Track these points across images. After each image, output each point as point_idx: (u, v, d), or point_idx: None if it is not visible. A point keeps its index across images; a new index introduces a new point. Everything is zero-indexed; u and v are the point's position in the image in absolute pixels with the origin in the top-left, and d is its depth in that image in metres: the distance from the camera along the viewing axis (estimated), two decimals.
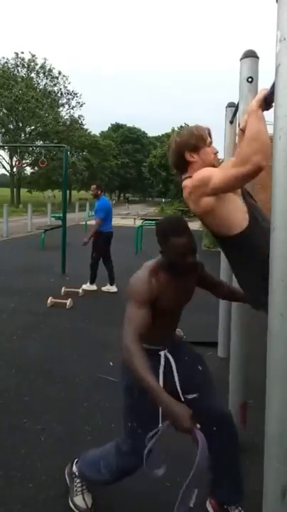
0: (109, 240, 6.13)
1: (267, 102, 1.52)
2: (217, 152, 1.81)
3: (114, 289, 6.11)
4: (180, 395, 1.68)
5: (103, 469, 1.78)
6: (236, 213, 1.65)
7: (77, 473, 1.93)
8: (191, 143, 1.75)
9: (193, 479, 1.34)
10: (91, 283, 6.16)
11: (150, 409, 1.56)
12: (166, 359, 1.71)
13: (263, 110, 1.58)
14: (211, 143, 1.80)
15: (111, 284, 6.14)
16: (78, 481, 1.92)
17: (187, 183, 1.74)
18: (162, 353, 1.71)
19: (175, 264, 1.63)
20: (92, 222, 9.39)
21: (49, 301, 5.27)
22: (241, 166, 1.49)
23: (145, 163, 40.83)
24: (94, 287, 6.16)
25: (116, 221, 17.91)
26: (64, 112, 37.51)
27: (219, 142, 2.55)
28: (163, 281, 1.62)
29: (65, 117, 37.10)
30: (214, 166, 1.74)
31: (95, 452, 1.89)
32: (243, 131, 1.63)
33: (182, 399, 1.67)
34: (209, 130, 1.81)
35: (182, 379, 1.71)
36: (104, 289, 6.15)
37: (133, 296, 1.56)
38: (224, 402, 1.58)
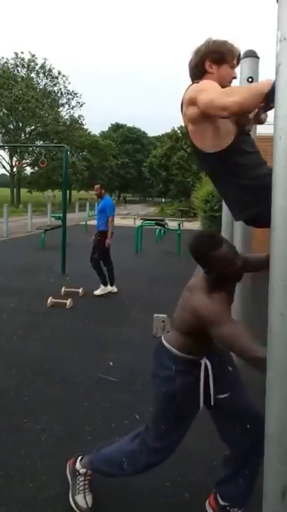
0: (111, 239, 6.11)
1: (267, 100, 1.51)
2: (235, 78, 1.75)
3: (114, 289, 6.09)
4: (212, 397, 1.71)
5: (126, 466, 1.80)
6: (222, 131, 1.64)
7: (80, 471, 1.93)
8: (220, 51, 1.69)
9: None
10: (105, 285, 6.00)
11: (183, 413, 1.69)
12: (205, 366, 1.71)
13: (264, 111, 1.58)
14: (234, 67, 1.74)
15: (112, 285, 6.12)
16: (81, 479, 1.92)
17: (191, 86, 1.70)
18: (202, 362, 1.71)
19: (227, 276, 1.60)
20: (93, 222, 9.36)
21: (49, 301, 5.27)
22: (226, 95, 1.49)
23: (145, 163, 40.84)
24: (109, 288, 6.02)
25: (116, 221, 17.76)
26: (64, 112, 37.50)
27: None
28: (218, 298, 1.59)
29: (65, 117, 37.09)
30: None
31: (113, 449, 1.89)
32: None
33: (213, 402, 1.70)
34: (240, 55, 1.75)
35: (215, 380, 1.71)
36: None
37: (217, 317, 1.50)
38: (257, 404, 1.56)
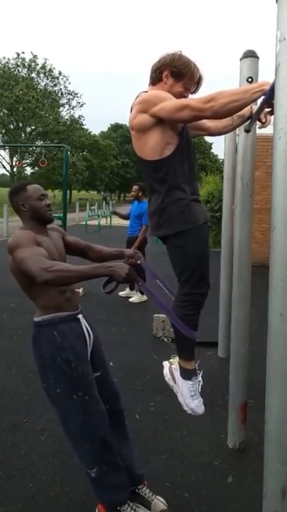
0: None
1: (264, 99, 1.52)
2: (186, 97, 1.79)
3: (144, 297, 5.59)
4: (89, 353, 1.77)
5: (94, 470, 1.66)
6: (163, 143, 1.70)
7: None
8: (180, 69, 1.72)
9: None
10: (142, 293, 5.57)
11: (85, 370, 1.68)
12: (84, 323, 1.79)
13: (265, 105, 1.59)
14: (191, 90, 1.78)
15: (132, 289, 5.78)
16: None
17: (142, 93, 1.76)
18: (80, 317, 1.78)
19: (39, 210, 1.72)
20: (94, 222, 9.41)
21: None
22: (203, 102, 1.54)
23: None
24: (144, 297, 5.53)
25: (117, 221, 17.89)
26: (64, 112, 37.51)
27: (219, 141, 2.55)
28: (25, 231, 1.68)
29: (65, 117, 37.08)
30: None
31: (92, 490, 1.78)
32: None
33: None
34: (201, 80, 1.78)
35: (92, 352, 1.79)
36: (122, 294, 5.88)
37: (20, 244, 1.58)
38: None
